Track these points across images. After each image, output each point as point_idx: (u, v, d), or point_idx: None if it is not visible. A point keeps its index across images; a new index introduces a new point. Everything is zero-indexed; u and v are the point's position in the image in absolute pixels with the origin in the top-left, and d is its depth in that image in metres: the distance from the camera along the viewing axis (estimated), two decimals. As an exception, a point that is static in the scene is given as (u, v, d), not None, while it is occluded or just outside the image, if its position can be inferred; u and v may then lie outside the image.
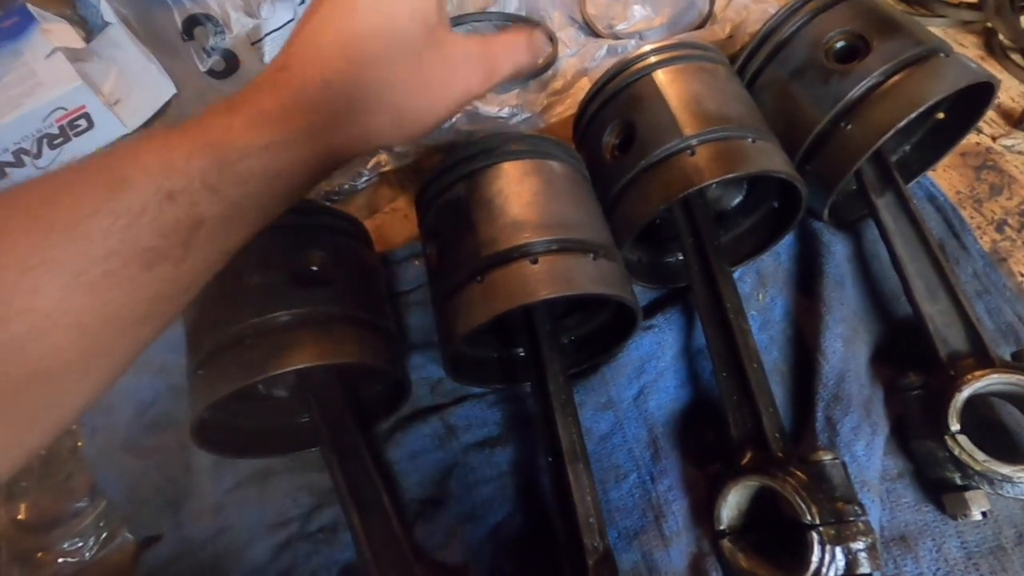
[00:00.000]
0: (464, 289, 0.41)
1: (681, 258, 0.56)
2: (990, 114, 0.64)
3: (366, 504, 0.41)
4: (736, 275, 0.55)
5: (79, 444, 0.52)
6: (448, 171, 0.46)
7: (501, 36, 0.38)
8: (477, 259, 0.41)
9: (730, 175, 0.44)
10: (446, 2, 0.38)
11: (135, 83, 0.77)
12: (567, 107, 0.70)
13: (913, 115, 0.45)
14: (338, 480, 0.42)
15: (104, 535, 0.50)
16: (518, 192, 0.43)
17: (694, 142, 0.46)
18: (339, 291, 0.43)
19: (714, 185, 0.57)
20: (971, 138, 0.63)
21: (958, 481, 0.42)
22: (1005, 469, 0.40)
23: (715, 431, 0.49)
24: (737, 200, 0.57)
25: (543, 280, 0.39)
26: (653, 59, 0.51)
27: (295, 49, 0.32)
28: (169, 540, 0.49)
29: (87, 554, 0.49)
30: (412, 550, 0.42)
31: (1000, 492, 0.41)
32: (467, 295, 0.41)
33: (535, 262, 0.40)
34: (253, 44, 0.83)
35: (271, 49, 0.82)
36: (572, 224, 0.43)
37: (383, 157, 0.69)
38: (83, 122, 0.70)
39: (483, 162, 0.45)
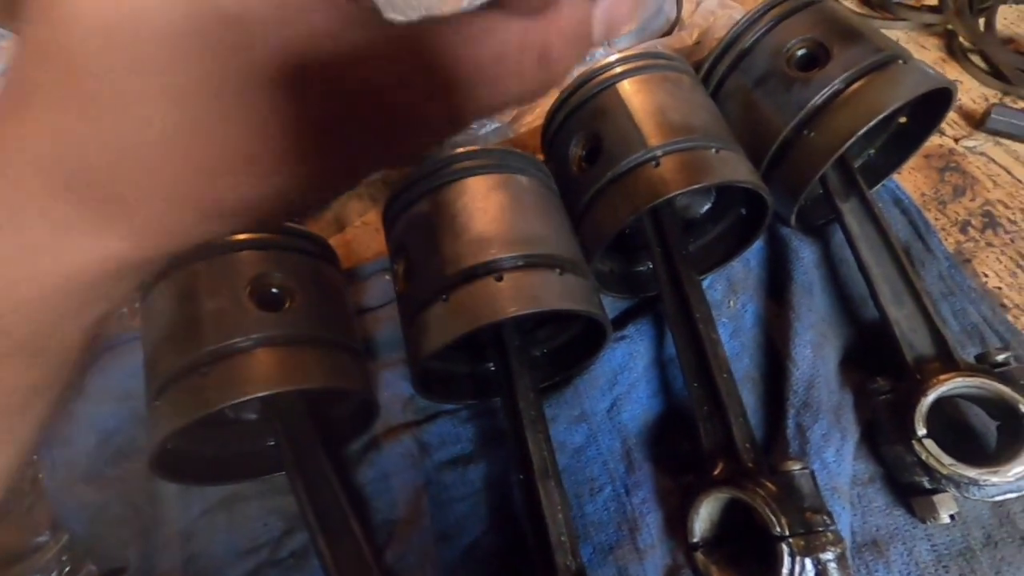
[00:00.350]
0: (430, 308, 0.41)
1: (652, 267, 0.56)
2: (952, 116, 0.66)
3: (334, 530, 0.40)
4: (707, 283, 0.55)
5: (40, 476, 0.50)
6: (413, 185, 0.46)
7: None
8: (442, 277, 0.40)
9: (694, 186, 0.44)
10: None
11: None
12: (536, 116, 0.69)
13: (873, 122, 0.46)
14: (304, 506, 0.41)
15: (67, 569, 0.48)
16: (483, 208, 0.43)
17: (659, 153, 0.46)
18: (300, 313, 0.42)
19: (682, 195, 0.57)
20: (934, 140, 0.63)
21: (926, 484, 0.43)
22: (971, 472, 0.40)
23: (689, 441, 0.49)
24: (706, 207, 0.58)
25: (508, 298, 0.39)
26: (618, 69, 0.51)
27: None
28: (135, 572, 0.47)
29: (49, 589, 0.47)
30: (384, 575, 0.41)
31: (967, 495, 0.41)
32: (433, 314, 0.40)
33: (500, 279, 0.39)
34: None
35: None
36: (538, 239, 0.43)
37: (352, 170, 0.69)
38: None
39: (448, 177, 0.44)
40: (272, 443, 0.49)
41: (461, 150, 0.46)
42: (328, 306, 0.45)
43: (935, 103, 0.52)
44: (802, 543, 0.37)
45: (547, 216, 0.45)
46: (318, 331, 0.42)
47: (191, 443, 0.47)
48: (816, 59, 0.50)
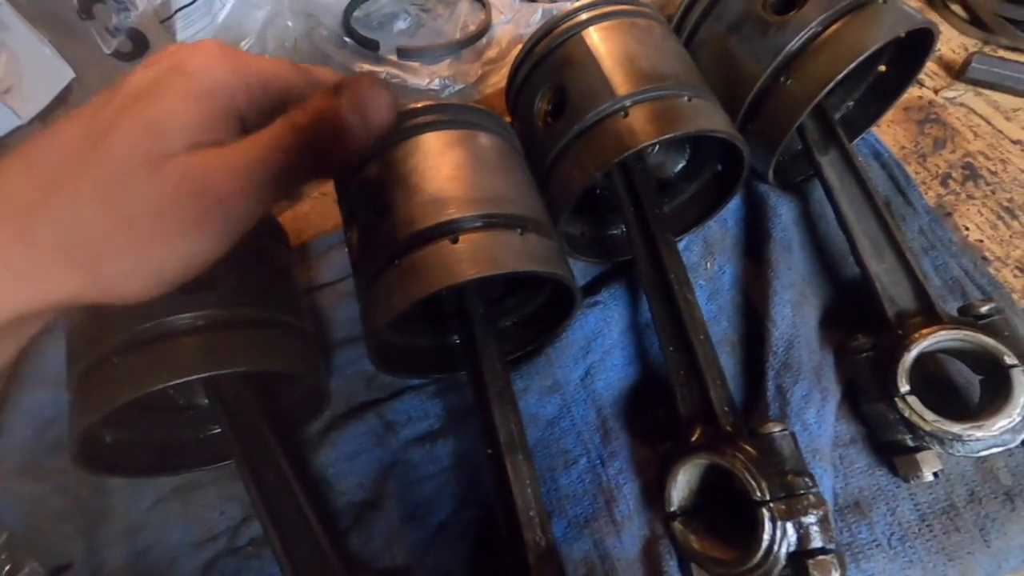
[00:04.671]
0: (382, 275, 0.38)
1: (625, 230, 0.54)
2: (931, 66, 0.63)
3: (285, 520, 0.38)
4: (683, 244, 0.53)
5: (-27, 471, 0.47)
6: None
7: (267, 129, 0.25)
8: (394, 242, 0.37)
9: (665, 136, 0.41)
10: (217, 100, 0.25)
11: (27, 69, 0.70)
12: (503, 77, 0.66)
13: (853, 64, 0.43)
14: (253, 496, 0.38)
15: (7, 568, 0.45)
16: (436, 166, 0.40)
17: (628, 103, 0.43)
18: (232, 293, 0.38)
19: (655, 150, 0.54)
20: (913, 92, 0.61)
21: (909, 443, 0.41)
22: (955, 428, 0.39)
23: (666, 408, 0.47)
24: (680, 166, 0.55)
25: (465, 260, 0.36)
26: (584, 16, 0.47)
27: None
28: (82, 568, 0.44)
29: (-11, 590, 0.44)
30: (344, 562, 0.39)
31: (951, 451, 0.40)
32: (385, 281, 0.37)
33: (455, 241, 0.36)
34: (163, 21, 0.76)
35: (183, 27, 0.76)
36: (497, 198, 0.40)
37: (308, 138, 0.65)
38: (-34, 113, 0.63)
39: (399, 135, 0.41)
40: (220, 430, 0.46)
41: (414, 105, 0.43)
42: (268, 284, 0.42)
43: (915, 50, 0.50)
44: (783, 507, 0.35)
45: (507, 173, 0.42)
46: (256, 312, 0.39)
47: (135, 433, 0.44)
48: (793, 1, 0.47)
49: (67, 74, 0.71)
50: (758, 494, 0.35)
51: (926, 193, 0.55)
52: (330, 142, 0.25)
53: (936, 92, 0.62)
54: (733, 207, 0.54)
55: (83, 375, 0.35)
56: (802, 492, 0.35)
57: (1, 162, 0.24)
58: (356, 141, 0.26)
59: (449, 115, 0.42)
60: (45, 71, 0.70)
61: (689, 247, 0.53)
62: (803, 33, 0.45)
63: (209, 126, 0.24)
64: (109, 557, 0.45)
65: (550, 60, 0.47)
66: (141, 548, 0.45)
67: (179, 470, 0.47)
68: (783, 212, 0.53)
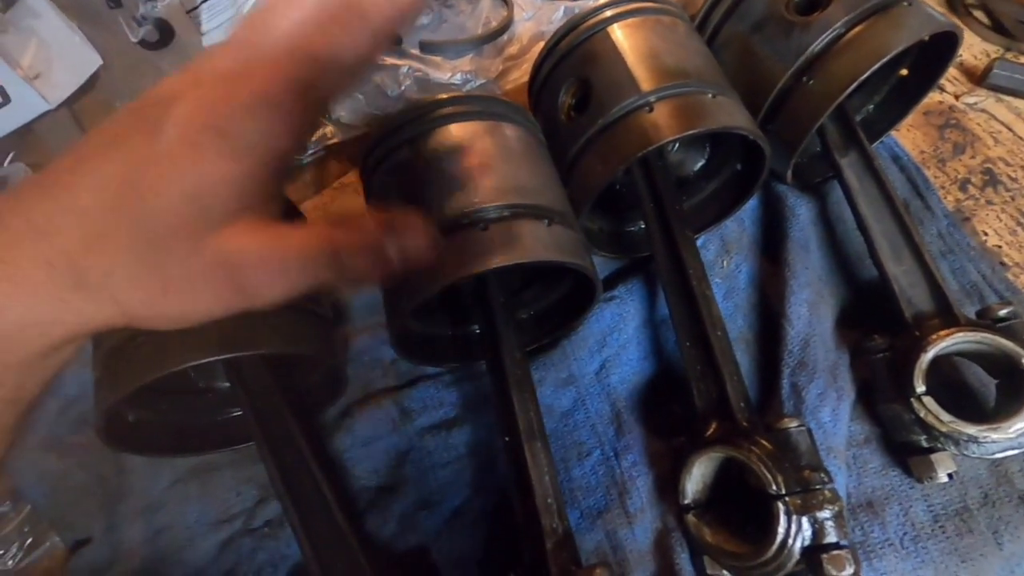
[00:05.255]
0: None
1: (643, 226, 0.54)
2: (952, 72, 0.63)
3: (305, 499, 0.38)
4: (699, 242, 0.53)
5: (-3, 444, 0.48)
6: (392, 134, 0.43)
7: (310, 232, 0.26)
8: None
9: (690, 132, 0.41)
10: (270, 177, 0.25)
11: (57, 56, 0.71)
12: (523, 72, 0.66)
13: (876, 66, 0.43)
14: (274, 475, 0.39)
15: (29, 541, 0.46)
16: (466, 155, 0.40)
17: (652, 98, 0.43)
18: None
19: (675, 147, 0.54)
20: (934, 97, 0.61)
21: (924, 443, 0.41)
22: (971, 429, 0.39)
23: (680, 403, 0.47)
24: (699, 164, 0.55)
25: (495, 248, 0.37)
26: (608, 13, 0.48)
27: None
28: (101, 544, 0.45)
29: (10, 562, 0.45)
30: (361, 543, 0.39)
31: (966, 453, 0.40)
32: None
33: (485, 229, 0.37)
34: (188, 12, 0.77)
35: (208, 18, 0.77)
36: (525, 189, 0.40)
37: (329, 128, 0.65)
38: (-4, 96, 0.64)
39: (429, 124, 0.42)
40: (240, 412, 0.47)
41: (443, 96, 0.43)
42: None
43: (937, 54, 0.50)
44: (798, 501, 0.35)
45: (534, 165, 0.43)
46: None
47: (157, 413, 0.45)
48: (817, 2, 0.47)
49: (95, 61, 0.72)
50: (774, 488, 0.36)
51: (945, 198, 0.55)
52: (367, 270, 0.27)
53: (957, 97, 0.62)
54: (750, 207, 0.55)
55: (109, 354, 0.36)
56: (818, 487, 0.35)
57: (35, 190, 0.24)
58: (391, 278, 0.27)
59: (477, 106, 0.43)
60: (74, 58, 0.71)
61: (706, 245, 0.54)
62: (827, 34, 0.46)
63: (250, 191, 0.24)
64: (128, 534, 0.46)
65: (575, 55, 0.48)
66: (159, 526, 0.46)
67: (197, 451, 0.47)
68: (801, 212, 0.53)
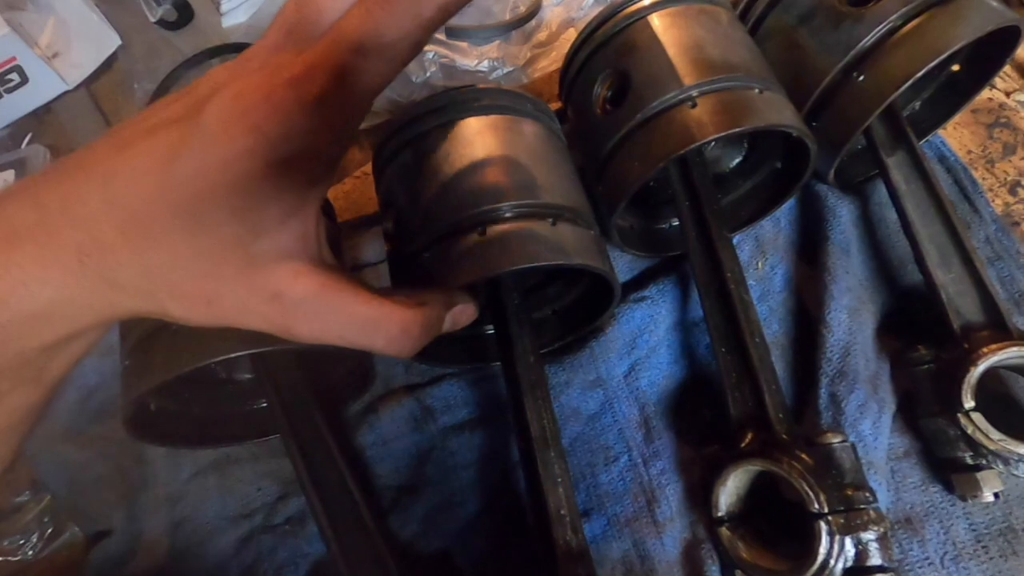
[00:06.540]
0: (412, 265, 0.37)
1: (676, 224, 0.52)
2: (1004, 68, 0.60)
3: (331, 494, 0.37)
4: (733, 242, 0.51)
5: (18, 433, 0.47)
6: (400, 132, 0.41)
7: (376, 306, 0.26)
8: (424, 231, 0.37)
9: (737, 130, 0.39)
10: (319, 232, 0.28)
11: (76, 35, 0.70)
12: (552, 61, 0.64)
13: (934, 63, 0.41)
14: (300, 469, 0.38)
15: (49, 531, 0.46)
16: (469, 153, 0.38)
17: (695, 93, 0.41)
18: None
19: (714, 143, 0.52)
20: (983, 93, 0.58)
21: (969, 460, 0.40)
22: (1021, 448, 0.37)
23: (712, 409, 0.46)
24: (736, 160, 0.53)
25: (493, 253, 0.35)
26: (647, 1, 0.45)
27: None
28: (121, 535, 0.45)
29: (30, 552, 0.45)
30: (386, 541, 0.38)
31: (1015, 472, 0.38)
32: (416, 272, 0.37)
33: (483, 233, 0.35)
34: (208, -9, 0.75)
35: (228, -2, 0.75)
36: (529, 186, 0.38)
37: (352, 116, 0.64)
38: (15, 76, 0.63)
39: (433, 121, 0.40)
40: (264, 404, 0.46)
41: (448, 89, 0.41)
42: None
43: (995, 48, 0.47)
44: (842, 521, 0.34)
45: (542, 159, 0.40)
46: None
47: (178, 404, 0.44)
48: (870, -8, 0.45)
49: (114, 41, 0.71)
50: (816, 506, 0.34)
51: (993, 201, 0.52)
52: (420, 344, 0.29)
53: (1008, 95, 0.59)
54: (787, 206, 0.52)
55: (139, 342, 0.35)
56: (862, 507, 0.34)
57: (75, 172, 0.23)
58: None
59: (486, 99, 0.41)
60: (92, 38, 0.70)
61: (739, 245, 0.52)
62: (881, 27, 0.43)
63: (290, 189, 0.23)
64: (148, 526, 0.45)
65: (612, 45, 0.46)
66: (179, 519, 0.45)
67: (217, 443, 0.47)
68: (842, 214, 0.51)
